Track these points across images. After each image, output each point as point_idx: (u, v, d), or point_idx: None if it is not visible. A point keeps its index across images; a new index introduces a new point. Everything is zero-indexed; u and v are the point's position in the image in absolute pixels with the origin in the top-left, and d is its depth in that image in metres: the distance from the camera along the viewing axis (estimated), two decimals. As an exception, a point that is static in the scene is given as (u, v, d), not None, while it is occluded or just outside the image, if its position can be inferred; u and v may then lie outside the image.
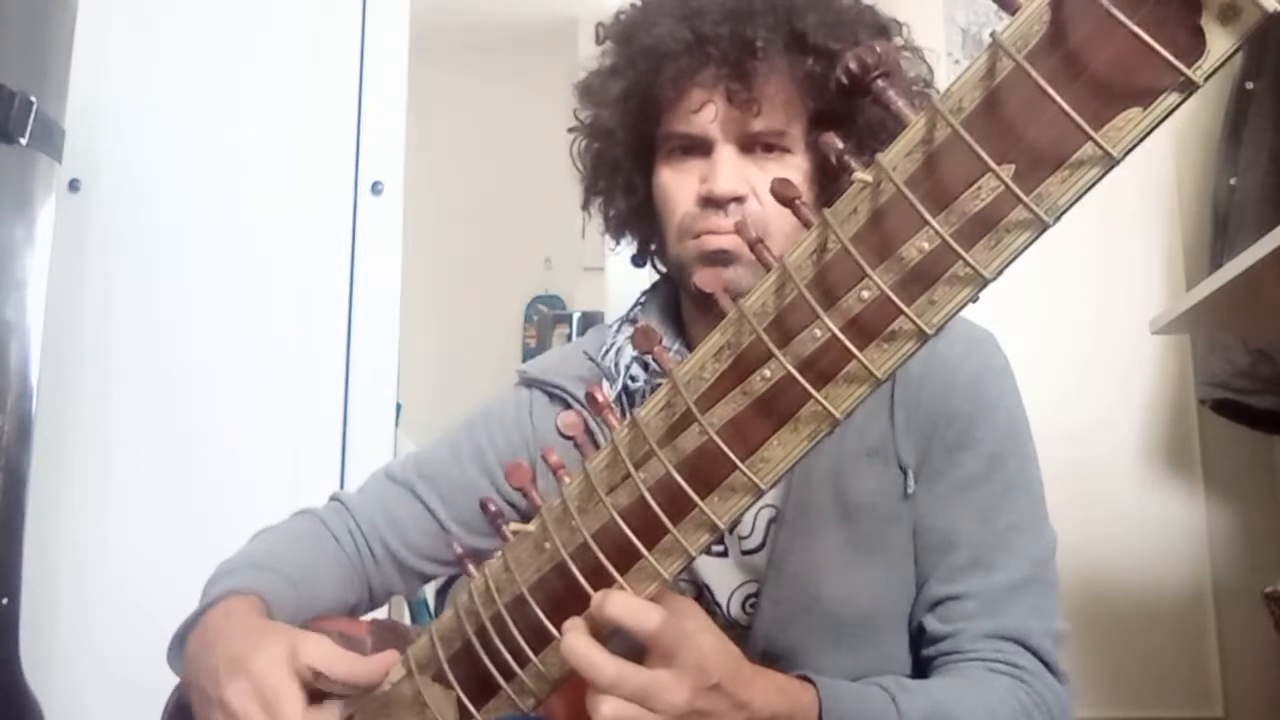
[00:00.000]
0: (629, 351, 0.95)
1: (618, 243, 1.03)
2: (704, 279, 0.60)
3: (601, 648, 0.62)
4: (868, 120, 0.85)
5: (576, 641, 0.63)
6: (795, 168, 0.87)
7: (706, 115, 0.86)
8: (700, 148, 0.88)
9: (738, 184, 0.85)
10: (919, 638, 0.86)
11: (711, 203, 0.86)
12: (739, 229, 0.60)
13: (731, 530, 0.90)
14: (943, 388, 0.87)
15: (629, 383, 0.93)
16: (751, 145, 0.87)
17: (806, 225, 0.56)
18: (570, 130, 1.00)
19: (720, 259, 0.85)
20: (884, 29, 0.89)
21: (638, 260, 1.03)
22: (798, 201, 0.56)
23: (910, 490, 0.86)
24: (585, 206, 1.02)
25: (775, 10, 0.84)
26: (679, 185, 0.89)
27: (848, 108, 0.84)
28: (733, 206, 0.86)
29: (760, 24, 0.83)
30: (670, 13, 0.87)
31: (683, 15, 0.86)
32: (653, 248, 1.00)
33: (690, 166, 0.89)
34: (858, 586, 0.86)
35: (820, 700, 0.71)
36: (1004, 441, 0.87)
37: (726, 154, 0.86)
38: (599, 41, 0.95)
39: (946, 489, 0.86)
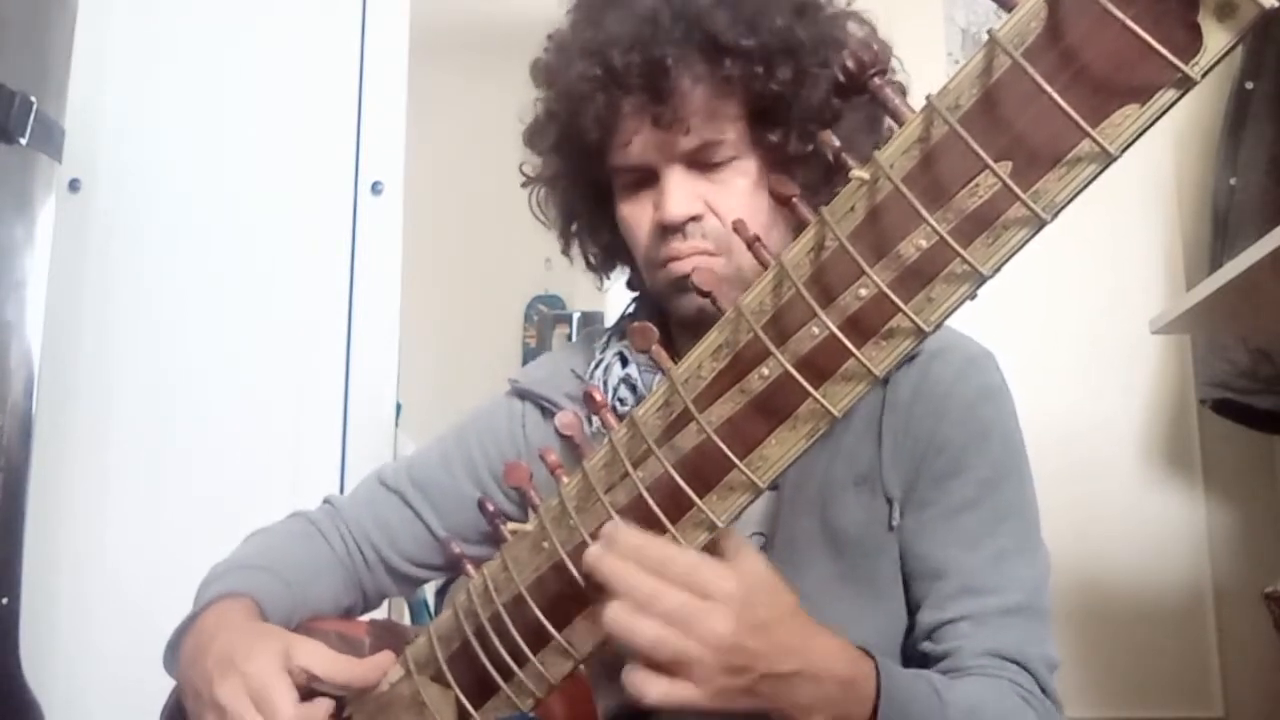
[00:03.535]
0: (617, 371, 0.93)
1: (601, 281, 1.02)
2: (701, 277, 0.60)
3: (633, 562, 0.59)
4: (803, 107, 0.82)
5: (611, 561, 0.59)
6: (744, 172, 0.84)
7: (637, 146, 0.84)
8: (649, 175, 0.86)
9: (688, 205, 0.83)
10: (917, 665, 0.83)
11: (667, 229, 0.84)
12: (736, 227, 0.60)
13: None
14: (934, 414, 0.85)
15: (617, 405, 0.91)
16: (697, 160, 0.84)
17: (803, 223, 0.56)
18: (523, 185, 0.99)
19: (688, 284, 0.83)
20: (805, 6, 0.84)
21: (633, 284, 1.02)
22: (795, 199, 0.56)
23: (894, 523, 0.85)
24: (565, 252, 1.01)
25: (684, 20, 0.81)
26: (636, 217, 0.88)
27: (779, 99, 0.82)
28: (691, 226, 0.83)
29: (667, 40, 0.80)
30: (582, 49, 0.85)
31: (593, 49, 0.83)
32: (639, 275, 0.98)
33: (643, 196, 0.87)
34: (847, 620, 0.83)
35: (879, 674, 0.68)
36: (997, 467, 0.85)
37: (672, 177, 0.84)
38: (536, 85, 0.93)
39: (935, 516, 0.84)
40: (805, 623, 0.65)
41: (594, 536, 0.63)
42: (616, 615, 0.59)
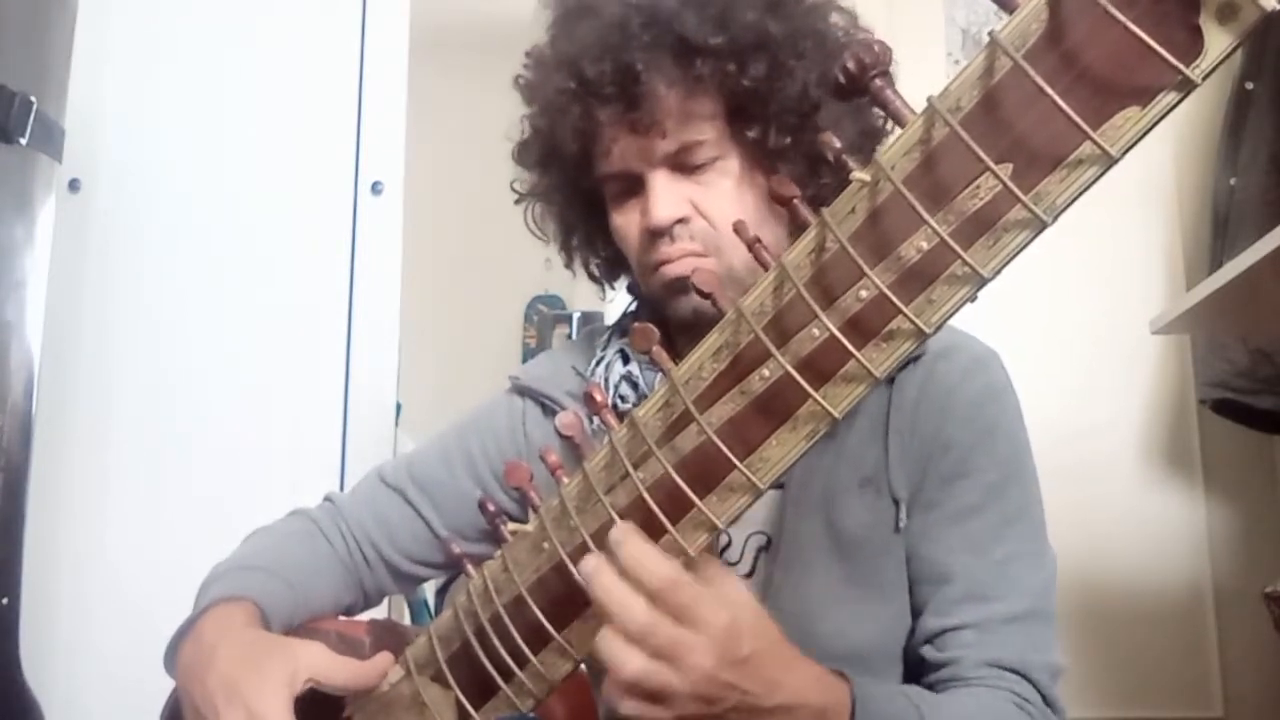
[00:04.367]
0: (618, 368, 0.93)
1: (604, 292, 1.03)
2: (701, 279, 0.60)
3: (632, 590, 0.58)
4: (780, 101, 0.82)
5: (607, 579, 0.59)
6: (727, 171, 0.84)
7: (618, 154, 0.84)
8: (635, 182, 0.86)
9: (674, 208, 0.83)
10: (916, 668, 0.84)
11: (655, 233, 0.84)
12: (737, 229, 0.60)
13: (728, 545, 0.89)
14: (939, 415, 0.85)
15: (618, 402, 0.92)
16: (680, 163, 0.84)
17: (802, 224, 0.56)
18: (516, 203, 0.99)
19: (681, 286, 0.83)
20: (776, 1, 0.85)
21: (634, 289, 1.02)
22: (795, 201, 0.56)
23: (901, 524, 0.84)
24: (569, 265, 1.01)
25: (653, 24, 0.81)
26: (627, 225, 0.88)
27: (754, 95, 0.82)
28: (678, 229, 0.84)
29: (637, 46, 0.81)
30: (556, 62, 0.85)
31: (565, 61, 0.84)
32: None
33: (632, 203, 0.87)
34: (852, 623, 0.85)
35: (854, 699, 0.68)
36: (1003, 469, 0.85)
37: (657, 181, 0.84)
38: (521, 100, 0.93)
39: (941, 519, 0.84)
40: (785, 653, 0.65)
41: (595, 537, 0.63)
42: (608, 643, 0.59)
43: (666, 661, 0.58)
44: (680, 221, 0.84)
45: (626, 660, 0.58)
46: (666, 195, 0.83)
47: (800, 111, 0.82)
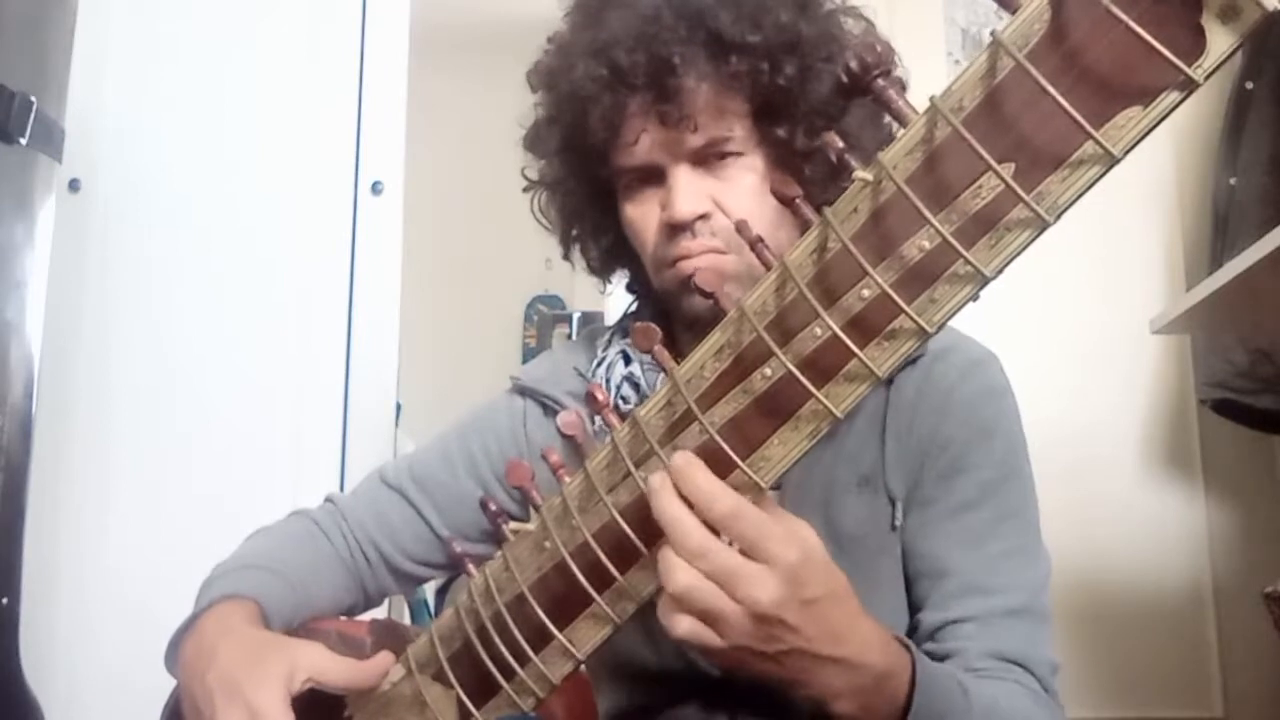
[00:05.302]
0: (620, 369, 0.93)
1: (604, 285, 1.02)
2: (704, 278, 0.60)
3: (691, 513, 0.57)
4: (808, 102, 0.82)
5: (666, 498, 0.58)
6: (751, 168, 0.84)
7: (644, 145, 0.84)
8: (655, 175, 0.85)
9: (696, 203, 0.83)
10: None
11: (676, 228, 0.84)
12: (739, 228, 0.60)
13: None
14: (936, 414, 0.85)
15: (620, 403, 0.91)
16: (704, 158, 0.84)
17: (806, 224, 0.56)
18: (525, 190, 0.99)
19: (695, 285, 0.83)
20: (806, 2, 0.85)
21: (632, 288, 1.02)
22: (798, 201, 0.56)
23: (897, 523, 0.85)
24: (566, 256, 1.01)
25: (687, 19, 0.81)
26: (643, 218, 0.87)
27: (785, 95, 0.82)
28: (699, 225, 0.83)
29: (672, 39, 0.80)
30: (585, 50, 0.85)
31: (596, 49, 0.83)
32: (640, 278, 0.98)
33: (649, 196, 0.87)
34: None
35: (914, 669, 0.67)
36: (1000, 468, 0.85)
37: (680, 175, 0.83)
38: (533, 90, 0.93)
39: (937, 515, 0.84)
40: (852, 607, 0.63)
41: (597, 536, 0.63)
42: (663, 556, 0.58)
43: (720, 585, 0.57)
44: (702, 217, 0.83)
45: (677, 575, 0.57)
46: (689, 190, 0.83)
47: (827, 114, 0.82)
